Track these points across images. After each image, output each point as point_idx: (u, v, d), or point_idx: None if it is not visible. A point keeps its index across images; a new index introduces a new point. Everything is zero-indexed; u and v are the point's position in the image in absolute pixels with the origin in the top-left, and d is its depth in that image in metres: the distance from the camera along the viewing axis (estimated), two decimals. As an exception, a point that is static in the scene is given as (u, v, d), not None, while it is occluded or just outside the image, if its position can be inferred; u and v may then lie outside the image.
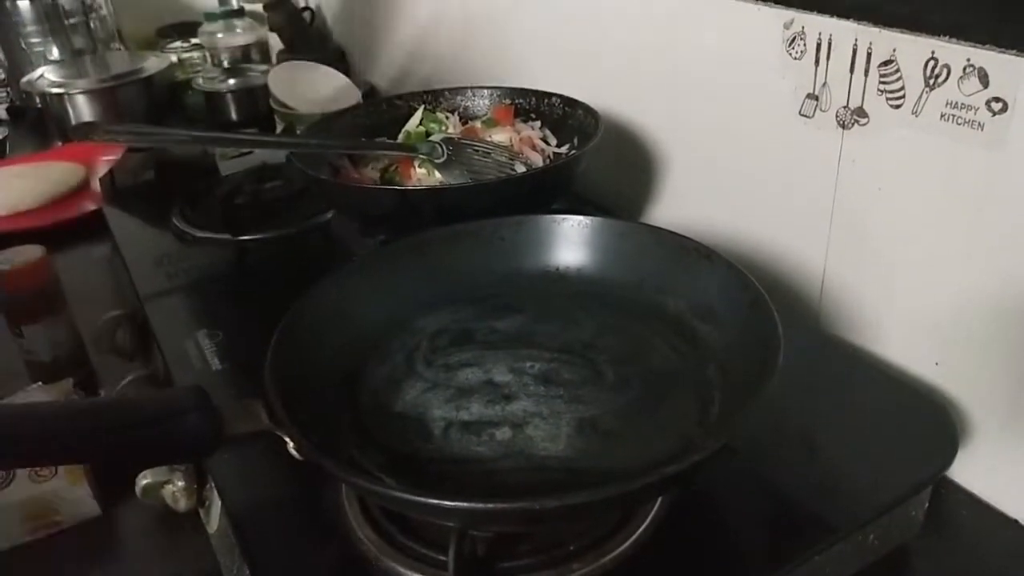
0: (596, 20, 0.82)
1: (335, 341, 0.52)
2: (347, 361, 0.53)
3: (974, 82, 0.49)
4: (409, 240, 0.60)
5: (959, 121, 0.51)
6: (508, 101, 0.87)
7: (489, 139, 0.80)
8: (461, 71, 1.11)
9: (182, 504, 0.56)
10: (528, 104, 0.86)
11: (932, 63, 0.51)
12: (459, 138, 0.80)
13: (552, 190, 0.73)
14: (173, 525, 0.58)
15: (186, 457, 0.52)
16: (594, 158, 0.73)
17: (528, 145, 0.80)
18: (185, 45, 1.53)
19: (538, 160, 0.79)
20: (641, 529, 0.45)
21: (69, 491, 0.59)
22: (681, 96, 0.74)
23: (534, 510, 0.38)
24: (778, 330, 0.45)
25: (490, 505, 0.38)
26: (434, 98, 0.89)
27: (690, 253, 0.56)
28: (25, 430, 0.40)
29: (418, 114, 0.87)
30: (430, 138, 0.80)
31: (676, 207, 0.80)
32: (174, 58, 1.48)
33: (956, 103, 0.50)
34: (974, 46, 0.48)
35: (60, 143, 1.30)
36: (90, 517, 0.60)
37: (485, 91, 0.89)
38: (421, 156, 0.76)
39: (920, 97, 0.52)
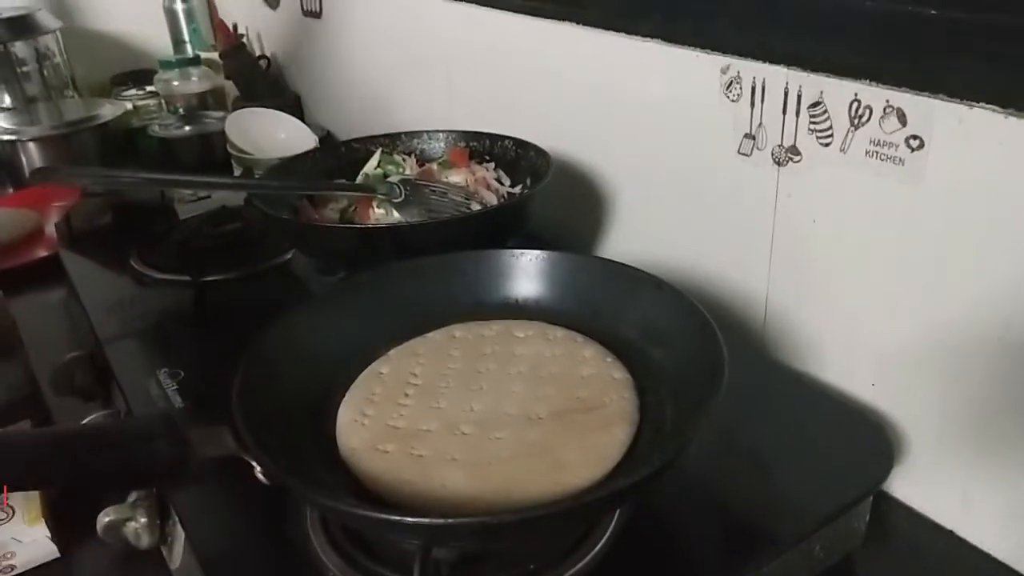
0: (547, 68, 0.86)
1: (300, 371, 0.53)
2: (313, 390, 0.54)
3: (893, 121, 0.53)
4: (371, 274, 0.62)
5: (882, 157, 0.55)
6: (463, 144, 0.90)
7: (445, 180, 0.83)
8: (417, 116, 1.13)
9: (144, 541, 0.56)
10: (482, 146, 0.89)
11: (856, 104, 0.55)
12: (416, 179, 0.82)
13: (506, 227, 0.75)
14: (134, 565, 0.58)
15: (155, 481, 0.53)
16: (546, 197, 0.76)
17: (483, 185, 0.83)
18: (140, 92, 1.54)
19: (493, 199, 0.81)
20: (599, 546, 0.46)
21: (25, 533, 0.58)
22: (628, 137, 0.78)
23: (492, 525, 0.39)
24: (723, 351, 0.47)
25: (450, 521, 0.39)
26: (391, 141, 0.92)
27: (641, 284, 0.58)
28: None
29: (376, 156, 0.89)
30: (388, 179, 0.83)
31: (626, 241, 0.83)
32: (129, 105, 1.48)
33: (879, 141, 0.54)
34: (892, 88, 0.52)
35: (12, 189, 1.29)
36: (47, 560, 0.59)
37: (441, 134, 0.92)
38: (380, 196, 0.78)
39: (847, 136, 0.57)
